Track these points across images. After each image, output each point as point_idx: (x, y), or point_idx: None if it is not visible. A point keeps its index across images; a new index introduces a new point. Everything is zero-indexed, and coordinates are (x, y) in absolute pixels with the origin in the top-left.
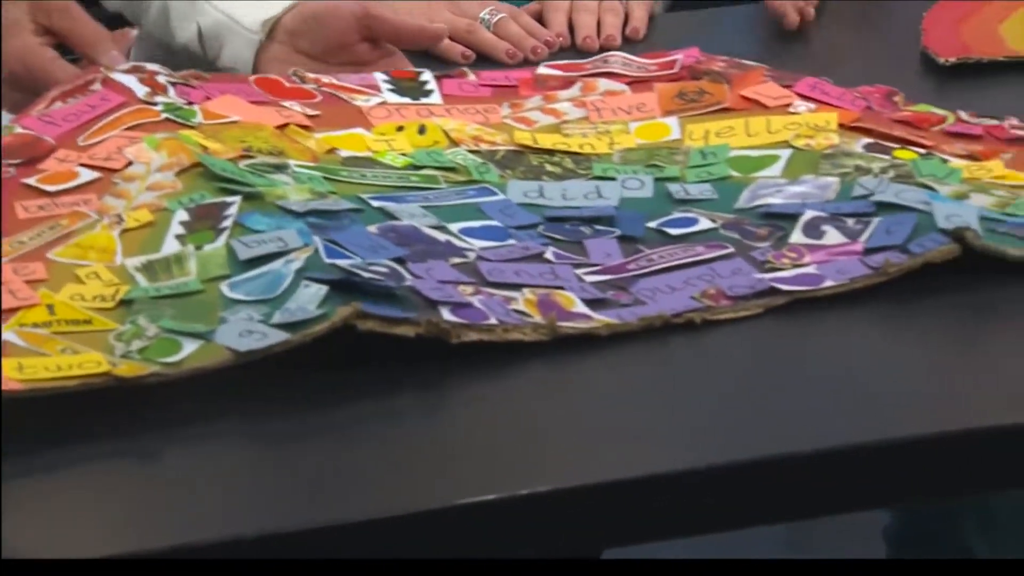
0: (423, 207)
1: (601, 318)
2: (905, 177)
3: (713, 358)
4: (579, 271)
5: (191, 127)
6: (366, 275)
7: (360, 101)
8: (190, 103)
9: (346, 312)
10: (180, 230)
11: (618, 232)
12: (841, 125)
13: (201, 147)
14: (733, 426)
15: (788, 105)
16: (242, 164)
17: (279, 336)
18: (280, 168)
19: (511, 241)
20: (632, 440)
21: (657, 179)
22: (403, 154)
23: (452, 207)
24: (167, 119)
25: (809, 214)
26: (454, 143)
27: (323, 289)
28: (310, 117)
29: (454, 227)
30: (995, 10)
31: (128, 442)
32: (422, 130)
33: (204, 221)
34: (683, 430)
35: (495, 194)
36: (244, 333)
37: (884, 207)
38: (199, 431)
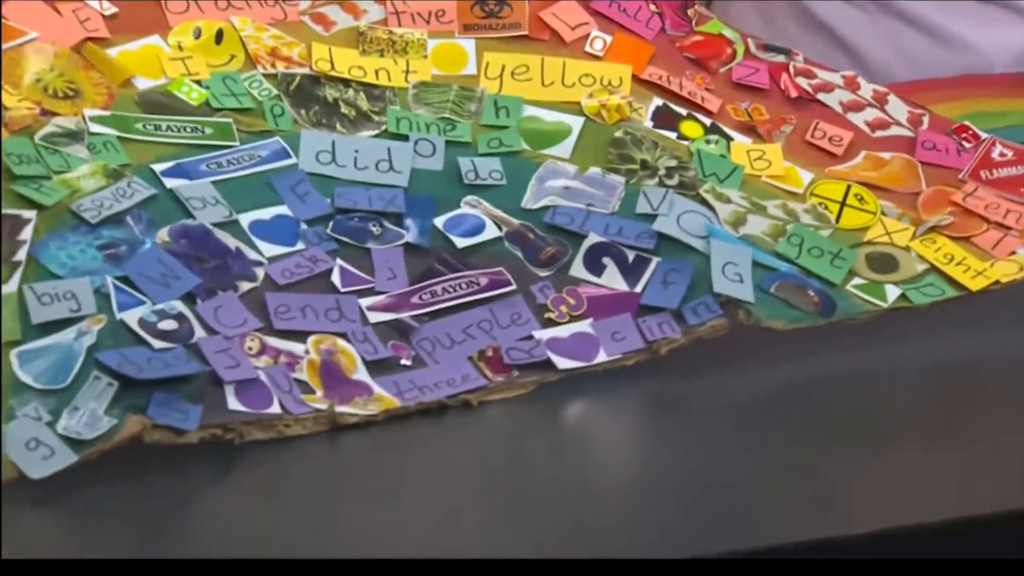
0: (214, 182)
1: (380, 391)
2: (688, 185)
3: (484, 435)
4: (364, 302)
5: None
6: (157, 344)
7: None
8: None
9: (135, 428)
10: None
11: (406, 237)
12: (634, 77)
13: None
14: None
15: (586, 36)
16: (38, 136)
17: (66, 456)
18: (75, 137)
19: (300, 245)
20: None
21: (448, 142)
22: (198, 82)
23: (244, 181)
24: None
25: (593, 239)
26: (251, 60)
27: (113, 386)
28: (107, 18)
29: (245, 220)
30: None
31: None
32: (219, 37)
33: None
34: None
35: (288, 156)
36: (32, 444)
37: (664, 241)
38: None
